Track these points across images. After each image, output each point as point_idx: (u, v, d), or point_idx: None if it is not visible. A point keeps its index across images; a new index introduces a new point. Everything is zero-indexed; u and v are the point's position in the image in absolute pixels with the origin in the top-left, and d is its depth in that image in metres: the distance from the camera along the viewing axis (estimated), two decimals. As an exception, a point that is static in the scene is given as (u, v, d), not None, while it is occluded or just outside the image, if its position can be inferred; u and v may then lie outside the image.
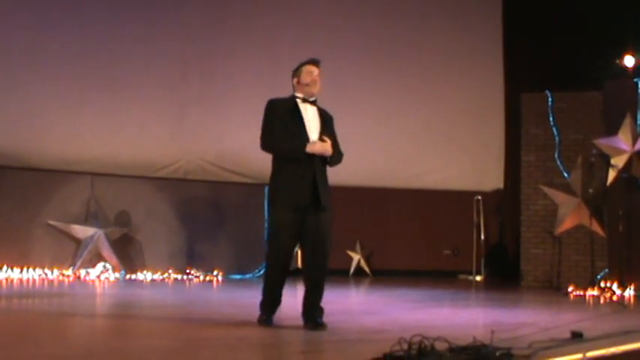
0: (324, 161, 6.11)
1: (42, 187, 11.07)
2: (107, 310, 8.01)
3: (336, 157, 6.19)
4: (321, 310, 6.02)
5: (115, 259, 11.12)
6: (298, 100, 6.14)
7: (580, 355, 4.55)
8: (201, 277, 11.27)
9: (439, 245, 12.54)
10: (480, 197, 12.17)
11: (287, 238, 6.00)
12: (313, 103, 6.18)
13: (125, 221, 11.44)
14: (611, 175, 10.10)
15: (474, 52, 12.58)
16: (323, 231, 6.07)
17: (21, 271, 10.58)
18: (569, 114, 11.01)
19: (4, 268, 10.48)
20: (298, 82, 6.17)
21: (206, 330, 5.92)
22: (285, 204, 5.98)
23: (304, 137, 6.02)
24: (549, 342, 5.09)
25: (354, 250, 12.55)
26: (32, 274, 10.60)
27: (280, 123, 6.04)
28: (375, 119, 12.43)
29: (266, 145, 6.07)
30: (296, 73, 6.20)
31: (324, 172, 6.15)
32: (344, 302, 8.56)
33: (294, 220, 5.96)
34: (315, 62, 6.20)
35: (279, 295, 6.10)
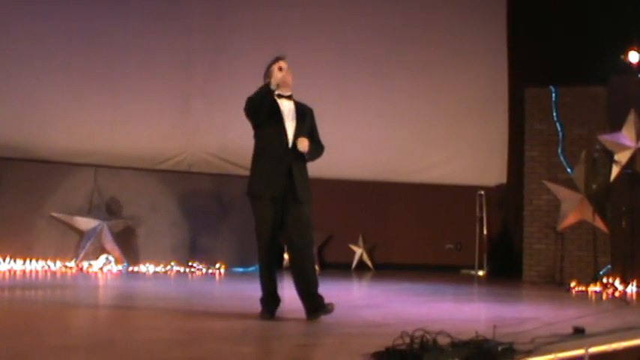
0: (301, 156, 6.17)
1: (45, 179, 11.08)
2: (110, 302, 8.02)
3: (314, 152, 6.27)
4: (320, 298, 6.08)
5: (117, 252, 11.13)
6: (275, 97, 6.25)
7: (582, 351, 4.55)
8: (204, 270, 11.28)
9: (442, 240, 12.54)
10: (482, 192, 12.17)
11: (267, 230, 6.08)
12: (289, 97, 6.30)
13: (128, 213, 11.44)
14: (615, 171, 10.07)
15: (478, 46, 12.56)
16: (302, 224, 6.10)
17: (24, 263, 10.59)
18: (573, 109, 10.99)
19: (8, 259, 10.50)
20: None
21: (208, 322, 5.93)
22: (262, 195, 6.11)
23: (283, 132, 6.14)
24: (551, 337, 5.09)
25: (356, 244, 12.55)
26: (35, 266, 10.61)
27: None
28: (378, 113, 12.43)
29: (245, 108, 6.19)
30: (267, 74, 6.29)
31: (303, 166, 6.23)
32: (346, 296, 8.56)
33: (273, 211, 6.07)
34: (280, 58, 6.33)
35: (275, 291, 6.18)
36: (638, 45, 10.41)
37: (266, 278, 6.16)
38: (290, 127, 6.19)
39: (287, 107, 6.25)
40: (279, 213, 6.08)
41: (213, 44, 12.31)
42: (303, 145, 6.11)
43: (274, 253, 6.24)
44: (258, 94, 6.15)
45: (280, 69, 6.21)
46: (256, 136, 6.29)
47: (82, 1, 11.74)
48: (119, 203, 11.45)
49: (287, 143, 6.14)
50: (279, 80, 6.12)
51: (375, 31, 12.56)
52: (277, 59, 6.31)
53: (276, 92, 6.23)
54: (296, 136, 6.17)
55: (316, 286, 6.11)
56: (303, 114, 6.31)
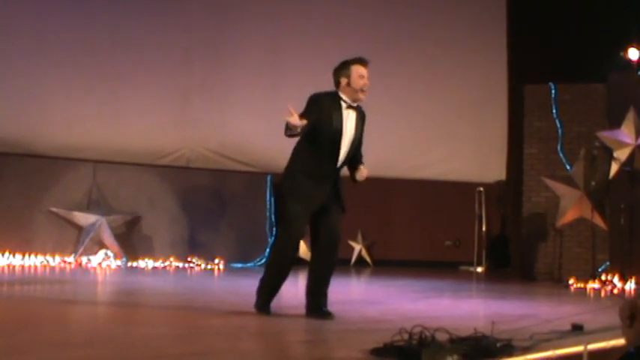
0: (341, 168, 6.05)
1: (44, 174, 11.07)
2: (108, 297, 8.03)
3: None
4: (325, 297, 6.03)
5: (116, 247, 11.12)
6: (343, 105, 5.89)
7: (581, 348, 4.55)
8: (203, 266, 11.28)
9: (441, 236, 12.54)
10: (482, 189, 12.17)
11: (299, 229, 5.93)
12: (356, 108, 5.96)
13: (127, 209, 11.44)
14: (614, 168, 10.09)
15: (478, 43, 12.56)
16: (337, 227, 5.97)
17: (23, 258, 10.57)
18: (573, 106, 10.99)
19: (6, 254, 10.47)
20: (348, 84, 5.89)
21: (207, 318, 5.93)
22: (301, 200, 5.86)
23: (335, 154, 5.89)
24: (550, 334, 5.10)
25: (355, 240, 12.54)
26: (34, 261, 10.60)
27: (318, 118, 5.75)
28: (378, 110, 12.25)
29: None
30: (344, 72, 5.89)
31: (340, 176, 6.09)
32: (345, 292, 8.56)
33: (308, 213, 5.88)
34: (365, 63, 5.91)
35: (280, 285, 6.08)
36: (637, 42, 10.41)
37: (279, 275, 5.99)
38: (344, 146, 5.90)
39: (351, 121, 5.91)
40: (314, 214, 5.89)
41: (213, 40, 12.29)
42: (362, 176, 6.00)
43: (297, 252, 6.16)
44: (286, 132, 5.60)
45: (362, 78, 5.83)
46: (308, 134, 5.79)
47: (83, -3, 11.75)
48: (118, 198, 11.42)
49: (337, 165, 5.94)
50: (352, 94, 5.76)
51: (375, 27, 12.55)
52: (360, 63, 5.87)
53: (347, 101, 5.87)
54: (348, 153, 5.94)
55: (328, 286, 6.04)
56: (362, 124, 6.04)
